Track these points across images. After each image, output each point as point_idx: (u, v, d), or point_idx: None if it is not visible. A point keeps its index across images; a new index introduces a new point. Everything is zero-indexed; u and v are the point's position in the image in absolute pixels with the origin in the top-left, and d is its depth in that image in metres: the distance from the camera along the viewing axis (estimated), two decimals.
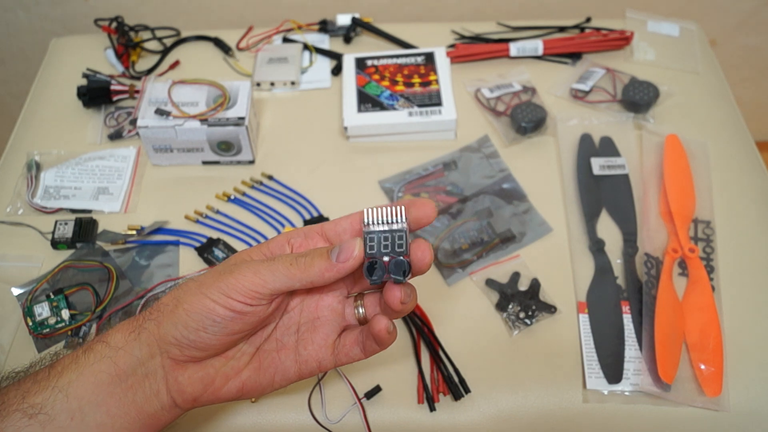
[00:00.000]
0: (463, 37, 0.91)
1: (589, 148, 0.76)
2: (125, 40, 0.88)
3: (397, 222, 0.41)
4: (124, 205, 0.74)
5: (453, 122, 0.78)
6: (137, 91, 0.82)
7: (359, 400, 0.59)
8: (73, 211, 0.73)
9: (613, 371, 0.60)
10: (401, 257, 0.40)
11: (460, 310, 0.65)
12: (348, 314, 0.46)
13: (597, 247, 0.68)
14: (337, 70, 0.88)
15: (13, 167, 0.78)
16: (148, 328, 0.42)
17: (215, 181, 0.75)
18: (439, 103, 0.79)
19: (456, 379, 0.60)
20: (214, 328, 0.40)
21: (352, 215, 0.44)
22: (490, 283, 0.66)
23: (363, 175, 0.76)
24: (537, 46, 0.87)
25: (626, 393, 0.59)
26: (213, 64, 0.89)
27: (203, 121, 0.73)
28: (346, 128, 0.78)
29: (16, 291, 0.66)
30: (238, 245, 0.70)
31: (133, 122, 0.79)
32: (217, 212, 0.73)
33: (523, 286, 0.66)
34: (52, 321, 0.63)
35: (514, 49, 0.87)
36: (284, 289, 0.41)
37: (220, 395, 0.44)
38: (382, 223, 0.41)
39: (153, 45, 0.91)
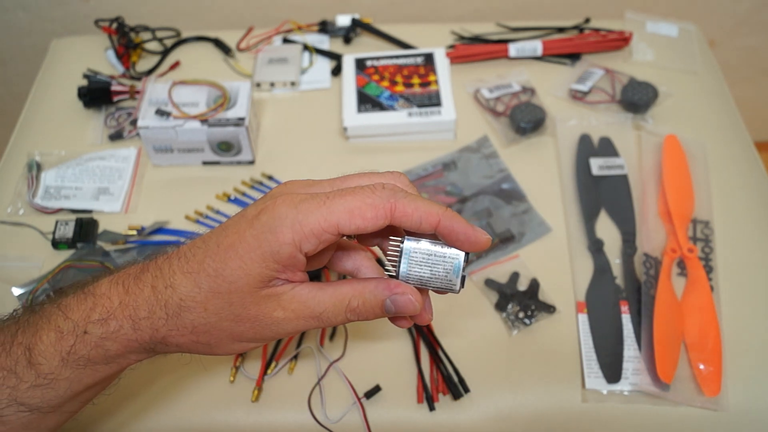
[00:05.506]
0: (462, 37, 0.91)
1: (588, 148, 0.77)
2: (126, 40, 0.88)
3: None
4: (125, 205, 0.74)
5: (452, 123, 0.78)
6: (138, 92, 0.82)
7: (359, 399, 0.59)
8: (74, 211, 0.73)
9: (612, 371, 0.60)
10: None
11: (460, 309, 0.65)
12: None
13: (596, 247, 0.68)
14: (336, 71, 0.88)
15: (13, 168, 0.78)
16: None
17: (215, 181, 0.76)
18: (438, 104, 0.79)
19: (455, 378, 0.60)
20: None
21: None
22: (490, 283, 0.66)
23: None
24: (536, 46, 0.87)
25: (625, 393, 0.59)
26: (213, 64, 0.89)
27: (203, 121, 0.73)
28: (345, 128, 0.78)
29: (17, 291, 0.66)
30: None
31: (134, 123, 0.80)
32: (218, 212, 0.73)
33: (522, 286, 0.66)
34: None
35: (513, 49, 0.87)
36: None
37: None
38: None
39: (153, 46, 0.91)
